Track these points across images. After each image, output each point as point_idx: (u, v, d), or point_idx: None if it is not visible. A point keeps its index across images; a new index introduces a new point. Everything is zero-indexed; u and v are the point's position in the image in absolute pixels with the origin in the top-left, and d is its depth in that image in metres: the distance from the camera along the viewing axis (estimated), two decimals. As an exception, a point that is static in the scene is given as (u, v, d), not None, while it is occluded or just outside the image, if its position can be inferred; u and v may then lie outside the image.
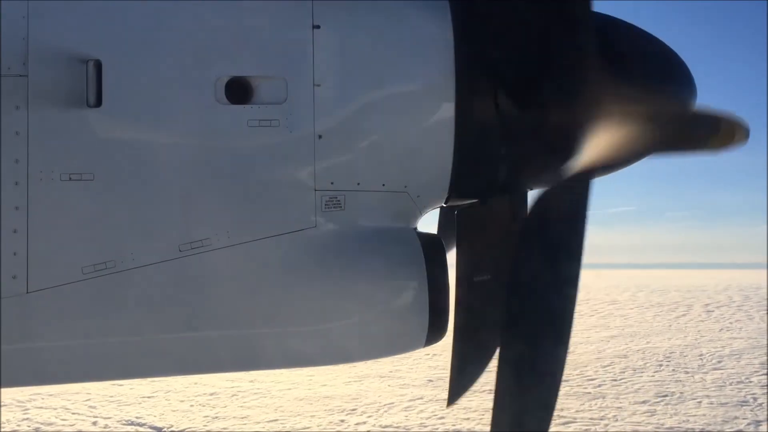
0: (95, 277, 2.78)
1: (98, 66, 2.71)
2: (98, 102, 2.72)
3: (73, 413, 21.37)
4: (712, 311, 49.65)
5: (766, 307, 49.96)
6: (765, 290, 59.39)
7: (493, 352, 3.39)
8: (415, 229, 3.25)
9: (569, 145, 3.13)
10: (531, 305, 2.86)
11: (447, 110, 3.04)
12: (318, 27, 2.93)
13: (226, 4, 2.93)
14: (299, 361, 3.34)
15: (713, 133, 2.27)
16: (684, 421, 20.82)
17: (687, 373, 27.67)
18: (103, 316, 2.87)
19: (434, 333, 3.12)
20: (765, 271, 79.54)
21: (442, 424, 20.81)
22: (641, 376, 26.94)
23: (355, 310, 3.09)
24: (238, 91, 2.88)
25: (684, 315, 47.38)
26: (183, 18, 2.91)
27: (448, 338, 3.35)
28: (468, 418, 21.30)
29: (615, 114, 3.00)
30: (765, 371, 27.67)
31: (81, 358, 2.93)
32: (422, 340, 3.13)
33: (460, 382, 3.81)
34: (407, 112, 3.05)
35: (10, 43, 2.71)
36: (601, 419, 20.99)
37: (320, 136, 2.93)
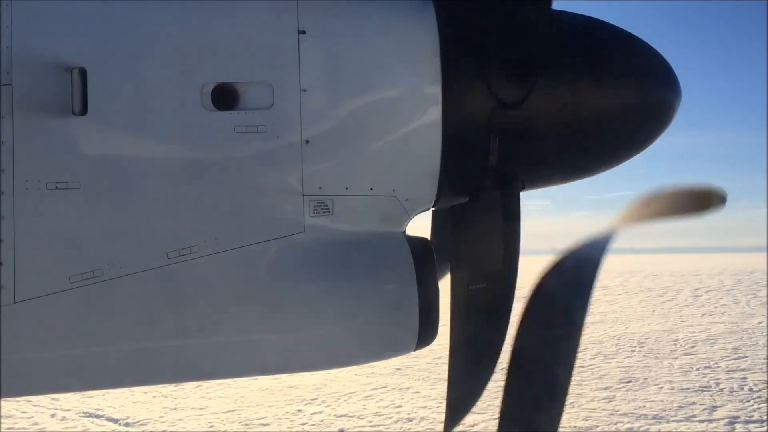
0: (83, 286, 2.75)
1: (83, 74, 2.68)
2: (84, 110, 2.68)
3: (35, 405, 21.60)
4: (700, 296, 49.61)
5: (755, 292, 49.85)
6: (758, 274, 59.25)
7: (492, 368, 3.25)
8: (404, 232, 3.22)
9: (558, 143, 3.17)
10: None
11: (434, 113, 3.02)
12: (303, 32, 2.91)
13: (211, 11, 2.91)
14: (287, 368, 3.29)
15: (692, 203, 2.31)
16: (640, 407, 20.82)
17: (657, 358, 27.69)
18: (92, 325, 2.85)
19: (424, 336, 3.08)
20: (765, 254, 79.25)
21: (398, 412, 20.89)
22: (610, 363, 26.98)
23: (344, 314, 3.06)
24: (225, 97, 2.85)
25: (671, 300, 47.37)
26: (168, 25, 2.89)
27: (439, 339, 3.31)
28: (425, 407, 21.38)
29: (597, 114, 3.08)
30: (735, 356, 27.66)
31: (70, 368, 2.91)
32: (412, 344, 3.09)
33: (459, 403, 3.53)
34: (394, 116, 3.03)
35: None
36: (558, 406, 20.99)
37: (307, 141, 2.91)
